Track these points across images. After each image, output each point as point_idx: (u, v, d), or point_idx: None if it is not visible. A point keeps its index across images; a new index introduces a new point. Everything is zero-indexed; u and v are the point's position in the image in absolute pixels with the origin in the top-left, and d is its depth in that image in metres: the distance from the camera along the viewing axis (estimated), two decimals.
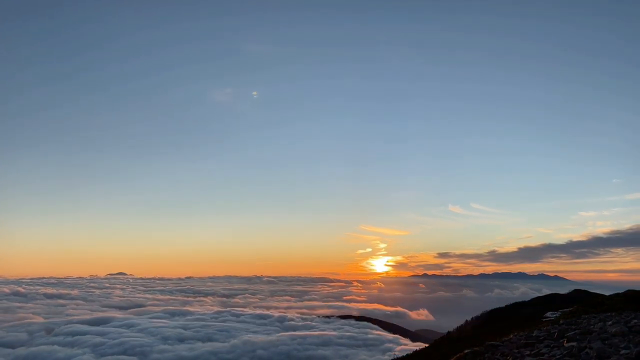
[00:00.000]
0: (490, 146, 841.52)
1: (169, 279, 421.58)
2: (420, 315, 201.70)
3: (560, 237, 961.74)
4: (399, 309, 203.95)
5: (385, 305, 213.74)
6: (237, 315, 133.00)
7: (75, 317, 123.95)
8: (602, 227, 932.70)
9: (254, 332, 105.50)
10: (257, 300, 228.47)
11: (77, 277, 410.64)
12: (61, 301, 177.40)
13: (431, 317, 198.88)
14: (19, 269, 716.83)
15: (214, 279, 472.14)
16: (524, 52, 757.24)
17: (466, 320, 56.21)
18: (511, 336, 12.94)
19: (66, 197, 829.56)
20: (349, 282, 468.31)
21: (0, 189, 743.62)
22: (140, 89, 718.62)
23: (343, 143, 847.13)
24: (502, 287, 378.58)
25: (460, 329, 51.80)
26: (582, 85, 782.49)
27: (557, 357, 8.71)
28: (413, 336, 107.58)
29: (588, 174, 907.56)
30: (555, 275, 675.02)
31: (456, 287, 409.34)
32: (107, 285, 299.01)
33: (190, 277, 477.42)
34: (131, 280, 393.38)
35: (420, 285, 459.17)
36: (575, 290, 53.63)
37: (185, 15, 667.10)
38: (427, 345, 50.85)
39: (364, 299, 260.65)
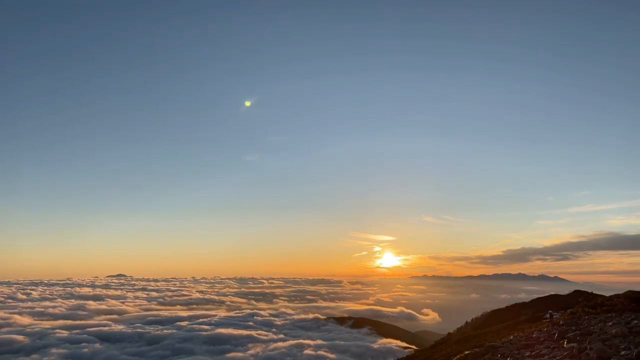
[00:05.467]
0: (452, 164, 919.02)
1: (185, 280, 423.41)
2: (421, 317, 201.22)
3: (534, 241, 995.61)
4: (400, 310, 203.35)
5: (386, 307, 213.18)
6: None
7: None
8: (564, 233, 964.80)
9: None
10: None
11: (80, 279, 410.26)
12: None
13: (432, 318, 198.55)
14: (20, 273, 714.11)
15: (232, 280, 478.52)
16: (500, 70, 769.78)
17: (466, 321, 56.23)
18: (511, 337, 12.95)
19: (65, 199, 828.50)
20: (348, 284, 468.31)
21: (1, 191, 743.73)
22: (143, 97, 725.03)
23: (326, 160, 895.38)
24: (503, 288, 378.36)
25: (460, 330, 51.76)
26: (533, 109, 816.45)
27: (558, 358, 8.73)
28: (414, 337, 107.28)
29: (528, 191, 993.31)
30: (556, 277, 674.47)
31: (458, 288, 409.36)
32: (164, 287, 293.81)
33: (204, 278, 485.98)
34: (145, 281, 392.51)
35: (421, 286, 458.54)
36: (575, 291, 53.52)
37: None
38: (427, 346, 50.74)
39: (364, 300, 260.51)
